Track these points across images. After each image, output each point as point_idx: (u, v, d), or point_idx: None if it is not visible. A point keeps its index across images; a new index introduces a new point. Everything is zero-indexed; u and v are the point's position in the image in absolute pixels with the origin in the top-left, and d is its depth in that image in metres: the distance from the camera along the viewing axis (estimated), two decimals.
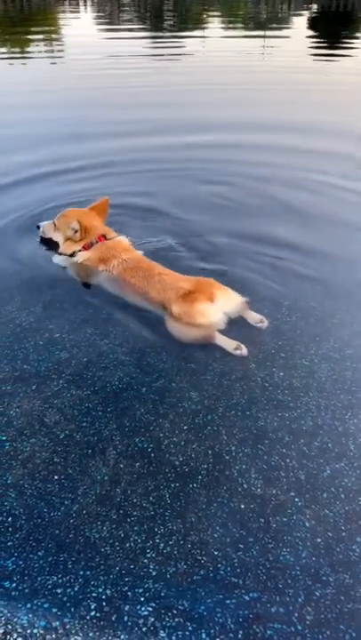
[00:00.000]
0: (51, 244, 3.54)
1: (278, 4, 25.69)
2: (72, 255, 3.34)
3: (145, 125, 6.36)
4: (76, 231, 3.30)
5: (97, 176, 4.83)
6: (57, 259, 3.43)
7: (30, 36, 14.91)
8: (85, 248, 3.30)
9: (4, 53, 12.14)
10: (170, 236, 3.77)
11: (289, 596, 1.66)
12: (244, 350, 2.66)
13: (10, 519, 1.87)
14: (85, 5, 27.18)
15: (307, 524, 1.87)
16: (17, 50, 12.96)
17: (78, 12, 24.38)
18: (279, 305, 3.02)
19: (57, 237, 3.51)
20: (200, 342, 2.73)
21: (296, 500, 1.95)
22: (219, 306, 2.78)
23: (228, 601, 1.64)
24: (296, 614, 1.62)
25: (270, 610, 1.63)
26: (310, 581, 1.70)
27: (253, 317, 2.86)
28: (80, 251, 3.31)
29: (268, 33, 16.38)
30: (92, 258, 3.24)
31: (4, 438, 2.19)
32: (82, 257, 3.29)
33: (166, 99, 7.88)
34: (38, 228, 3.64)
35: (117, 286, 3.08)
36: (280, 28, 17.57)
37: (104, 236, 3.33)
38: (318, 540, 1.82)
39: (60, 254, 3.43)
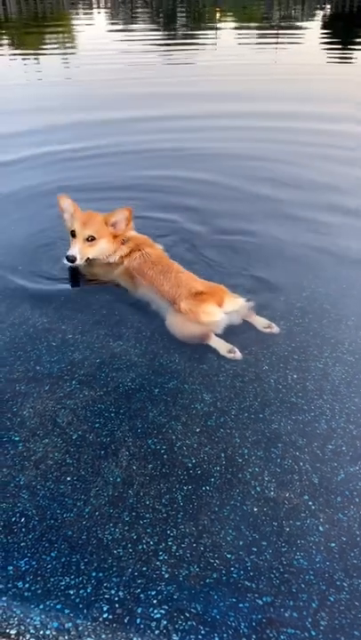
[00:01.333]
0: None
1: (292, 6, 25.59)
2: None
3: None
4: (114, 225, 3.21)
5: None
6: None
7: (44, 37, 15.01)
8: (120, 245, 3.26)
9: (19, 54, 12.23)
10: (175, 233, 3.81)
11: (303, 601, 1.64)
12: (237, 354, 2.65)
13: (23, 520, 1.88)
14: (99, 7, 27.30)
15: (321, 528, 1.85)
16: (31, 50, 13.04)
17: (92, 13, 24.49)
18: (292, 307, 3.00)
19: (99, 249, 3.20)
20: (194, 341, 2.73)
21: (310, 503, 1.94)
22: (225, 311, 2.81)
23: (241, 605, 1.63)
24: (310, 619, 1.60)
25: (284, 614, 1.61)
26: (324, 586, 1.68)
27: (261, 323, 2.84)
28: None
29: (282, 33, 16.34)
30: (126, 252, 3.22)
31: (18, 438, 2.20)
32: (119, 253, 3.24)
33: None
34: (72, 260, 3.11)
35: (136, 277, 3.10)
36: (294, 33, 17.50)
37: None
38: (332, 544, 1.80)
39: (110, 263, 3.27)
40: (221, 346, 2.69)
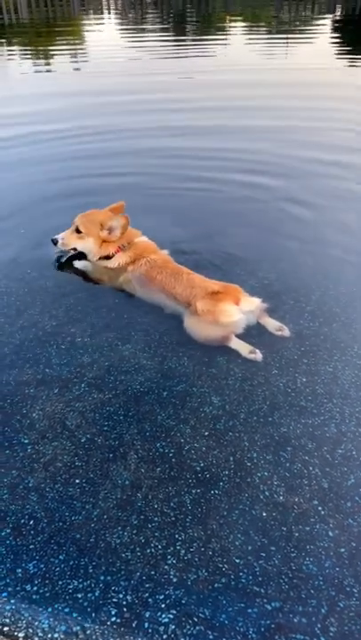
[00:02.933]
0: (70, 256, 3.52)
1: (301, 9, 25.58)
2: (106, 258, 3.31)
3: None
4: (110, 231, 3.25)
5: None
6: (80, 262, 3.44)
7: (56, 42, 15.13)
8: (118, 251, 3.28)
9: (30, 58, 12.33)
10: (188, 233, 3.83)
11: (312, 607, 1.63)
12: (258, 355, 2.64)
13: (31, 522, 1.88)
14: (109, 10, 27.46)
15: (330, 534, 1.84)
16: (43, 55, 13.14)
17: (102, 17, 24.63)
18: (302, 310, 2.99)
19: (84, 244, 3.36)
20: (215, 343, 2.72)
21: (319, 508, 1.92)
22: (242, 310, 2.78)
23: (249, 610, 1.62)
24: (319, 625, 1.59)
25: (293, 620, 1.60)
26: (334, 592, 1.67)
27: (273, 325, 2.83)
28: (115, 253, 3.28)
29: (292, 36, 16.33)
30: (127, 260, 3.23)
31: (27, 441, 2.21)
32: (118, 260, 3.26)
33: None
34: (55, 242, 3.41)
35: (145, 283, 3.09)
36: (304, 37, 17.48)
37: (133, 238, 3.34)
38: (342, 549, 1.79)
39: (94, 260, 3.36)
40: (242, 347, 2.68)
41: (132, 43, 15.45)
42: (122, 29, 20.31)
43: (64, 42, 15.79)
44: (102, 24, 21.85)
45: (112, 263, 3.29)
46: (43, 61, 12.21)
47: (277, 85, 8.86)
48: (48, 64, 11.88)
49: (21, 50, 14.34)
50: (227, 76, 9.83)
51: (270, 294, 3.06)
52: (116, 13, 26.49)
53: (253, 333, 2.78)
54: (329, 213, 4.19)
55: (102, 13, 26.63)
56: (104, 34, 18.56)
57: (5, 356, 2.68)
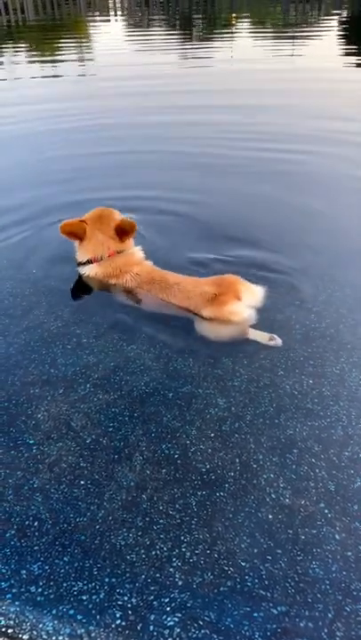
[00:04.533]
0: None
1: (308, 10, 25.54)
2: (85, 264, 3.23)
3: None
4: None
5: None
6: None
7: (61, 42, 15.18)
8: (94, 261, 3.19)
9: (36, 59, 12.36)
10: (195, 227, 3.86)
11: (318, 611, 1.62)
12: (278, 340, 2.66)
13: (36, 523, 1.87)
14: (115, 12, 27.52)
15: (337, 537, 1.82)
16: (49, 57, 13.18)
17: (109, 20, 24.69)
18: (308, 311, 2.97)
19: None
20: (233, 338, 2.74)
21: (326, 511, 1.91)
22: (247, 301, 2.79)
23: (255, 614, 1.61)
24: (326, 630, 1.57)
25: (299, 624, 1.58)
26: (341, 596, 1.65)
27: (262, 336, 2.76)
28: (89, 262, 3.21)
29: (299, 37, 16.31)
30: (100, 273, 3.15)
31: (32, 442, 2.20)
32: (88, 270, 3.19)
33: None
34: None
35: (139, 300, 3.04)
36: (310, 36, 17.45)
37: (117, 252, 3.21)
38: (349, 553, 1.77)
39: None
40: (260, 336, 2.70)
41: (138, 43, 15.47)
42: (128, 30, 20.33)
43: (72, 40, 15.83)
44: (108, 25, 21.90)
45: (84, 271, 3.21)
46: (49, 59, 12.25)
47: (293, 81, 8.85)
48: (54, 61, 11.92)
49: (28, 49, 14.39)
50: (228, 75, 9.83)
51: (275, 295, 3.04)
52: (123, 14, 26.53)
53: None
54: (340, 212, 4.17)
55: (109, 14, 26.67)
56: (109, 34, 18.59)
57: (10, 357, 2.68)
